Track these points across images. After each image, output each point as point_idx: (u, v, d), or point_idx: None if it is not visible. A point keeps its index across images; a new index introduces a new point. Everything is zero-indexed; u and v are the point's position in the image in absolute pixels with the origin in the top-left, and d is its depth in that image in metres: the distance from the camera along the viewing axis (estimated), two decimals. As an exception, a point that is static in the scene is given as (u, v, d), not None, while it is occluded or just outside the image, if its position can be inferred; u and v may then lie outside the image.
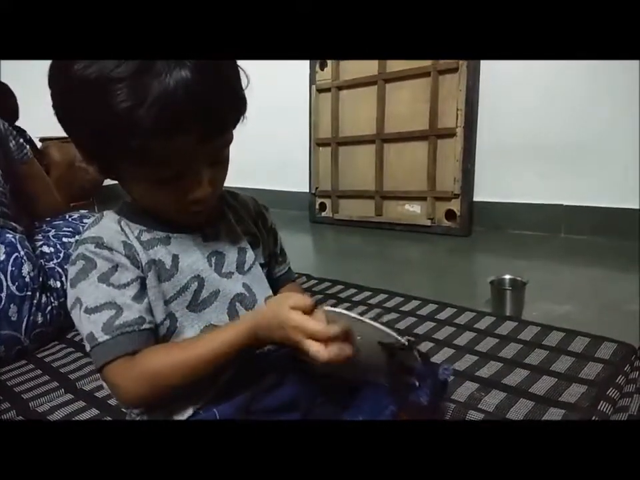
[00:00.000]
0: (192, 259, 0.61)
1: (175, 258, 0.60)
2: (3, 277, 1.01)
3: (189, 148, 0.53)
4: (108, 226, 0.60)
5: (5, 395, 0.90)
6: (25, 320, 1.04)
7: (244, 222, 0.69)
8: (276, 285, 0.72)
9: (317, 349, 0.50)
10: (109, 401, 0.86)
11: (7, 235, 1.06)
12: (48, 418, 0.82)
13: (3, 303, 1.00)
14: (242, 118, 0.57)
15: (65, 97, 0.53)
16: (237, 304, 0.63)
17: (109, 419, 0.81)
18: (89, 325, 0.56)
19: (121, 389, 0.56)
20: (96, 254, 0.57)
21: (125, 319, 0.55)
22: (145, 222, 0.61)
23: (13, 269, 1.02)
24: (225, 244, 0.65)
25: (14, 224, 1.11)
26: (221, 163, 0.58)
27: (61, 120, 0.55)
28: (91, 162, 0.58)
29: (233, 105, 0.55)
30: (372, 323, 0.53)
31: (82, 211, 1.38)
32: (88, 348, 0.56)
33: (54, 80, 0.54)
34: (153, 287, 0.59)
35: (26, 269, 1.04)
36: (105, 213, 0.62)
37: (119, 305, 0.55)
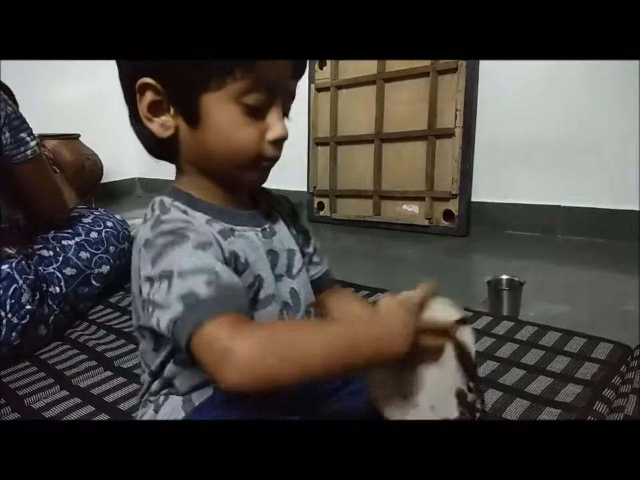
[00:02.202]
0: (255, 256, 0.56)
1: (244, 252, 0.55)
2: (2, 312, 0.97)
3: (284, 76, 0.54)
4: (178, 215, 0.53)
5: (0, 391, 0.90)
6: (29, 338, 1.03)
7: (285, 221, 0.64)
8: (314, 289, 0.66)
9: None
10: (104, 398, 0.85)
11: (3, 268, 1.00)
12: (43, 414, 0.82)
13: (3, 334, 0.97)
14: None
15: None
16: (284, 312, 0.59)
17: (105, 416, 0.81)
18: (183, 287, 0.46)
19: (236, 345, 0.43)
20: (187, 229, 0.50)
21: (230, 281, 0.48)
22: (208, 212, 0.55)
23: (12, 301, 0.98)
24: (280, 243, 0.60)
25: (9, 250, 1.04)
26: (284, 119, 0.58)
27: (150, 68, 0.52)
28: (169, 114, 0.53)
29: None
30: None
31: (80, 209, 1.36)
32: (177, 312, 0.46)
33: None
34: None
35: (25, 297, 1.00)
36: (164, 201, 0.55)
37: (218, 272, 0.47)
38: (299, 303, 0.61)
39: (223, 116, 0.52)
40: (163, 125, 0.54)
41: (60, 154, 2.13)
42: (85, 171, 2.37)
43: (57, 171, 1.47)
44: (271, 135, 0.54)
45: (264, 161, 0.56)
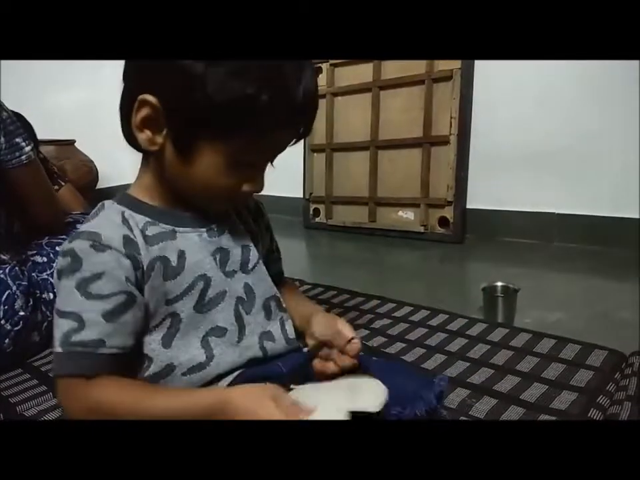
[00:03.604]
0: (198, 257, 0.59)
1: (182, 254, 0.57)
2: None
3: (286, 144, 0.57)
4: (110, 218, 0.56)
5: (-8, 399, 0.90)
6: (22, 345, 1.02)
7: (245, 219, 0.67)
8: (276, 283, 0.70)
9: None
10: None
11: None
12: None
13: None
14: None
15: (177, 69, 0.50)
16: (239, 306, 0.61)
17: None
18: (55, 328, 0.54)
19: (66, 409, 0.54)
20: (87, 254, 0.53)
21: (83, 337, 0.52)
22: (150, 214, 0.58)
23: (6, 307, 0.98)
24: (230, 241, 0.62)
25: (2, 256, 1.03)
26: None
27: (155, 86, 0.52)
28: (159, 135, 0.54)
29: (318, 105, 0.58)
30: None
31: (74, 214, 1.36)
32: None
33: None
34: (154, 288, 0.55)
35: (19, 303, 1.00)
36: (105, 203, 0.58)
37: (83, 320, 0.52)
38: (253, 297, 0.63)
39: (213, 161, 0.54)
40: (150, 139, 0.55)
41: (65, 172, 2.16)
42: (92, 181, 2.38)
43: (63, 183, 1.46)
44: (249, 187, 0.58)
45: (228, 203, 0.62)
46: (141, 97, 0.52)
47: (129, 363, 0.56)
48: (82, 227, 0.56)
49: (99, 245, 0.53)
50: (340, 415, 0.50)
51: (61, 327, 0.53)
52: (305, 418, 0.48)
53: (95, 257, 0.53)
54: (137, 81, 0.54)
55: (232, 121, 0.50)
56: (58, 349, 0.53)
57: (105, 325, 0.53)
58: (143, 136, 0.55)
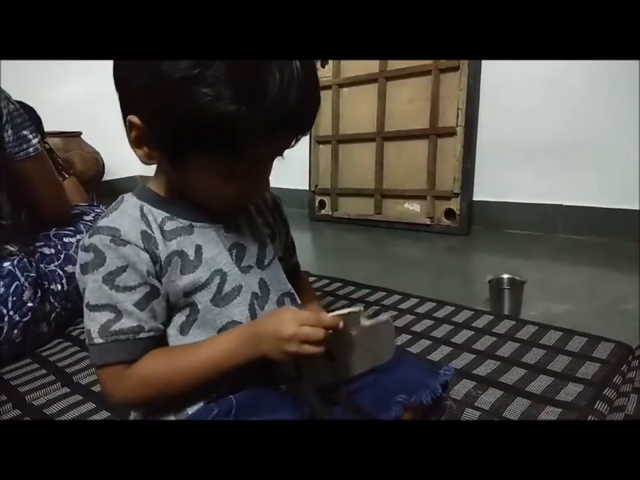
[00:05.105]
0: (215, 252, 0.59)
1: (199, 249, 0.58)
2: (4, 309, 0.97)
3: (281, 147, 0.55)
4: (128, 213, 0.57)
5: (1, 388, 0.90)
6: (31, 335, 1.03)
7: (263, 214, 0.68)
8: (291, 276, 0.70)
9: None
10: (105, 396, 0.86)
11: (5, 265, 1.00)
12: (44, 411, 0.82)
13: (5, 331, 0.98)
14: None
15: (154, 93, 0.50)
16: (255, 301, 0.62)
17: (106, 413, 0.81)
18: (88, 322, 0.55)
19: (113, 395, 0.57)
20: (109, 248, 0.54)
21: (122, 326, 0.54)
22: (168, 209, 0.59)
23: (14, 298, 0.99)
24: (246, 237, 0.63)
25: (10, 247, 1.04)
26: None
27: (138, 109, 0.52)
28: (155, 150, 0.55)
29: (319, 104, 0.56)
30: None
31: (81, 206, 1.36)
32: (86, 342, 0.56)
33: (139, 75, 0.51)
34: (171, 281, 0.57)
35: (27, 294, 1.01)
36: (125, 197, 0.59)
37: (119, 310, 0.54)
38: (267, 293, 0.63)
39: (208, 175, 0.55)
40: (148, 154, 0.56)
41: (73, 165, 2.17)
42: (99, 173, 2.39)
43: (67, 176, 1.47)
44: (252, 190, 0.59)
45: (241, 204, 0.62)
46: (128, 117, 0.53)
47: (163, 343, 0.59)
48: (101, 221, 0.56)
49: (118, 239, 0.54)
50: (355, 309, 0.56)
51: (97, 319, 0.54)
52: (326, 319, 0.53)
53: (116, 251, 0.54)
54: (123, 102, 0.55)
55: (214, 140, 0.50)
56: (97, 340, 0.54)
57: (139, 313, 0.55)
58: (140, 152, 0.56)
